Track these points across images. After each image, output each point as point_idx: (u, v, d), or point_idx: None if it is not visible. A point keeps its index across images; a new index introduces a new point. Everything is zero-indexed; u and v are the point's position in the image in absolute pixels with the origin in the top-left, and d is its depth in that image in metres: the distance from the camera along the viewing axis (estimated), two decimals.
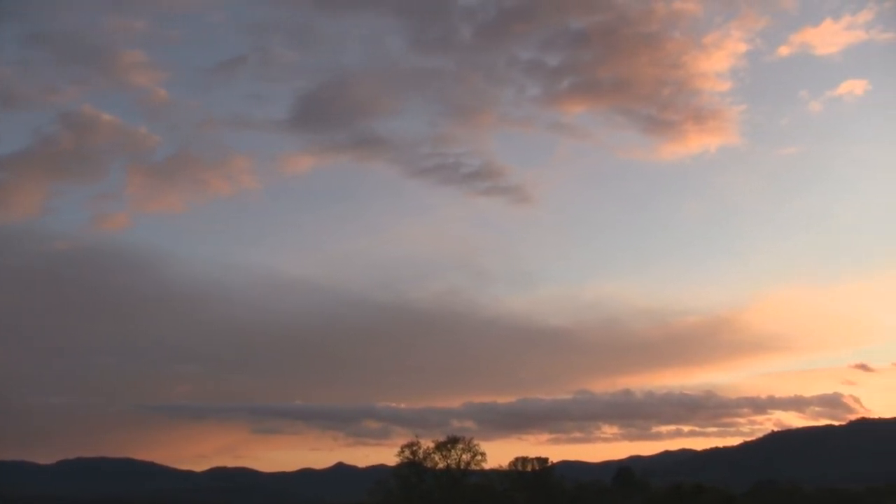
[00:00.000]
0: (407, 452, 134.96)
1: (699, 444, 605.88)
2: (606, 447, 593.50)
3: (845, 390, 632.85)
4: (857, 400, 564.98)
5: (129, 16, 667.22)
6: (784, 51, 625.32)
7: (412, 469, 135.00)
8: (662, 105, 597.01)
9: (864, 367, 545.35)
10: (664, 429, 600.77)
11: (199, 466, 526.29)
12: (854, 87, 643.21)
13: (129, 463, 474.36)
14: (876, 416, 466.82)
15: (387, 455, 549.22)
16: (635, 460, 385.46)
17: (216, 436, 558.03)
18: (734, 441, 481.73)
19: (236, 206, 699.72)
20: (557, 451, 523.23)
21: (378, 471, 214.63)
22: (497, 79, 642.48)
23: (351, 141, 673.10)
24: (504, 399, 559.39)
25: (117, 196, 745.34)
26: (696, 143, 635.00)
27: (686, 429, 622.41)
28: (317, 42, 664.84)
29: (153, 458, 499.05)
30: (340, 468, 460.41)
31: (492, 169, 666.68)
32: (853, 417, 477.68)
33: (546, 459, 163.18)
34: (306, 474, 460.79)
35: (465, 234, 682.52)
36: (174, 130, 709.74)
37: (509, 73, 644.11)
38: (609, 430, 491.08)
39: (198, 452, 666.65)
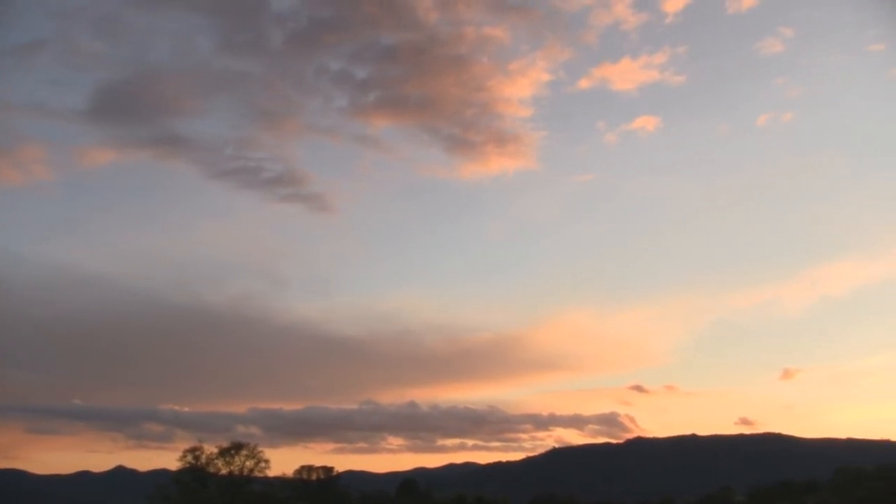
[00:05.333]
0: (189, 457, 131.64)
1: (483, 457, 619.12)
2: (391, 458, 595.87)
3: (622, 410, 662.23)
4: (632, 419, 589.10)
5: None
6: (584, 83, 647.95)
7: (194, 474, 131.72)
8: (465, 126, 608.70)
9: (639, 389, 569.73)
10: (449, 442, 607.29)
11: None
12: (647, 122, 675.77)
13: None
14: (650, 436, 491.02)
15: (169, 459, 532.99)
16: (420, 472, 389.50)
17: None
18: (517, 456, 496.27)
19: (26, 197, 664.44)
20: (343, 461, 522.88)
21: (159, 475, 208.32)
22: (305, 87, 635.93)
23: (152, 137, 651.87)
24: (290, 406, 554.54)
25: None
26: (496, 165, 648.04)
27: (470, 442, 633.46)
28: (124, 34, 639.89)
29: None
30: (120, 471, 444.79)
31: (294, 176, 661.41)
32: (629, 436, 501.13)
33: (331, 468, 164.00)
34: (83, 477, 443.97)
35: (263, 238, 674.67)
36: None
37: (317, 82, 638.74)
38: (394, 441, 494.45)
39: None
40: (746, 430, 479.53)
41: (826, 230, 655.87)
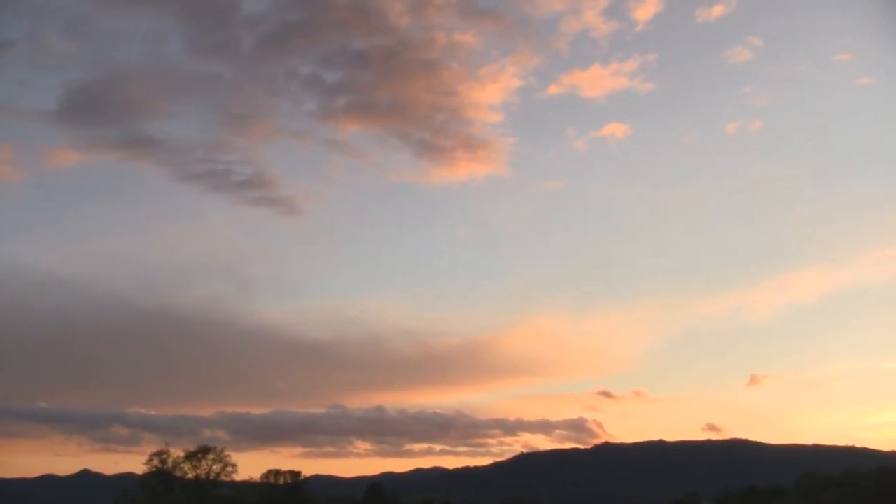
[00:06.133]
0: (156, 461, 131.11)
1: (451, 462, 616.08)
2: (359, 463, 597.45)
3: (589, 416, 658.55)
4: (600, 425, 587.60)
5: None
6: (554, 89, 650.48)
7: (160, 478, 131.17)
8: (435, 131, 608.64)
9: (607, 394, 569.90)
10: (416, 446, 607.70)
11: None
12: (616, 129, 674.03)
13: None
14: (618, 441, 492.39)
15: (135, 463, 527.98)
16: (388, 476, 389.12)
17: None
18: (485, 461, 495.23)
19: None
20: (310, 465, 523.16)
21: (126, 479, 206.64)
22: (275, 90, 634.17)
23: (122, 139, 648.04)
24: (258, 410, 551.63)
25: None
26: (466, 171, 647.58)
27: (438, 447, 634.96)
28: (94, 35, 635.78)
29: None
30: (85, 475, 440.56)
31: (263, 179, 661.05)
32: (597, 441, 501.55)
33: (298, 473, 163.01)
34: (48, 481, 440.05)
35: (232, 241, 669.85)
36: None
37: (287, 85, 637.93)
38: (362, 445, 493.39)
39: None
40: (714, 436, 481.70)
41: (793, 238, 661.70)
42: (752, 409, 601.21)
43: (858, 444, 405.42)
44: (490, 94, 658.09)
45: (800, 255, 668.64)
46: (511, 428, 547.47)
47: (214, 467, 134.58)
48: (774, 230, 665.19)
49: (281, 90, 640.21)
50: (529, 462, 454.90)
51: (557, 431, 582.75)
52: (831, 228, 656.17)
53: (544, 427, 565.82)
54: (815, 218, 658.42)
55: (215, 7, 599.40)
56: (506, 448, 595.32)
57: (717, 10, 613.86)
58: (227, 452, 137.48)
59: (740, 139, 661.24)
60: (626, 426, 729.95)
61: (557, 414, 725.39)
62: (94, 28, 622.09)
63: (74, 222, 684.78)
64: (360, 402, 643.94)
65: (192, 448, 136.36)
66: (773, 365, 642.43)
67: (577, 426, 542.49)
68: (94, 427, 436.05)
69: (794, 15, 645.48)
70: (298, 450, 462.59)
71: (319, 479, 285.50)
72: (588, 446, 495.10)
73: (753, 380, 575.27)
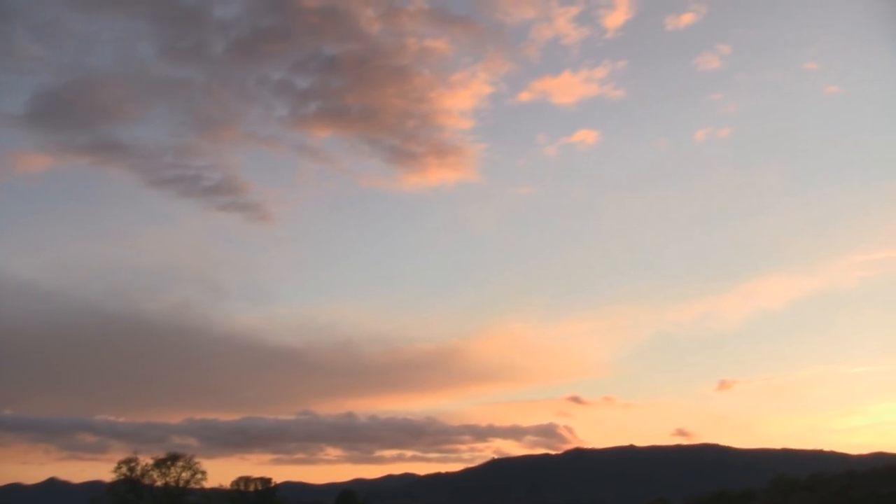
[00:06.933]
0: (124, 468, 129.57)
1: (422, 468, 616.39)
2: (330, 469, 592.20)
3: (560, 421, 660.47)
4: (570, 430, 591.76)
5: None
6: (525, 96, 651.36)
7: (129, 486, 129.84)
8: (406, 137, 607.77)
9: (577, 400, 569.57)
10: (387, 453, 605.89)
11: None
12: (587, 136, 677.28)
13: None
14: (588, 446, 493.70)
15: (103, 471, 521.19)
16: (359, 483, 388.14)
17: None
18: (456, 467, 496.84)
19: None
20: (280, 472, 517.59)
21: (93, 487, 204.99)
22: (245, 95, 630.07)
23: (91, 143, 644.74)
24: (227, 416, 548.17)
25: None
26: (437, 177, 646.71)
27: (409, 454, 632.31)
28: (63, 38, 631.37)
29: None
30: (52, 483, 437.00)
31: (233, 184, 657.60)
32: (568, 447, 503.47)
33: (269, 480, 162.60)
34: (14, 490, 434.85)
35: (202, 247, 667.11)
36: None
37: (258, 91, 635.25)
38: (333, 452, 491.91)
39: None
40: (684, 441, 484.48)
41: (763, 244, 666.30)
42: (722, 413, 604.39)
43: (827, 448, 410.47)
44: (461, 100, 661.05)
45: (769, 261, 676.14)
46: (482, 434, 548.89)
47: (184, 474, 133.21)
48: (743, 236, 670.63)
49: (252, 95, 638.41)
50: (500, 468, 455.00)
51: (528, 437, 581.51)
52: (800, 235, 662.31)
53: (515, 433, 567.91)
54: (783, 224, 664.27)
55: (186, 11, 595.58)
56: (477, 454, 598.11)
57: (687, 18, 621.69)
58: (196, 459, 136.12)
59: (709, 146, 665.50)
60: (596, 431, 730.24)
61: (528, 419, 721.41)
62: (63, 31, 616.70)
63: (42, 227, 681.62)
64: (331, 408, 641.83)
65: (161, 455, 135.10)
66: (742, 370, 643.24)
67: (548, 432, 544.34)
68: (60, 434, 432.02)
69: (762, 24, 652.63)
70: (268, 456, 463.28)
71: (290, 486, 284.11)
72: (559, 452, 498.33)
73: (723, 385, 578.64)
